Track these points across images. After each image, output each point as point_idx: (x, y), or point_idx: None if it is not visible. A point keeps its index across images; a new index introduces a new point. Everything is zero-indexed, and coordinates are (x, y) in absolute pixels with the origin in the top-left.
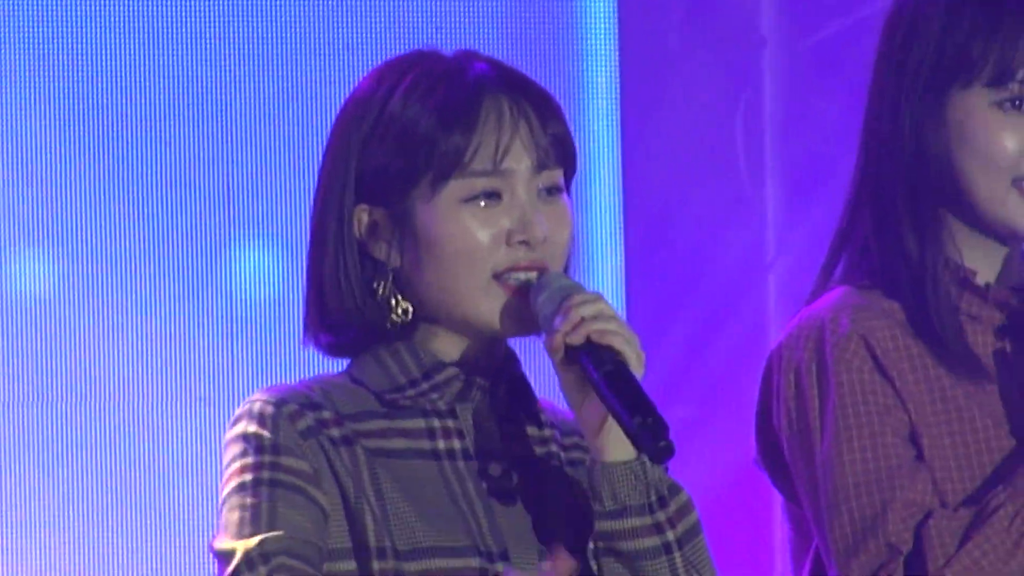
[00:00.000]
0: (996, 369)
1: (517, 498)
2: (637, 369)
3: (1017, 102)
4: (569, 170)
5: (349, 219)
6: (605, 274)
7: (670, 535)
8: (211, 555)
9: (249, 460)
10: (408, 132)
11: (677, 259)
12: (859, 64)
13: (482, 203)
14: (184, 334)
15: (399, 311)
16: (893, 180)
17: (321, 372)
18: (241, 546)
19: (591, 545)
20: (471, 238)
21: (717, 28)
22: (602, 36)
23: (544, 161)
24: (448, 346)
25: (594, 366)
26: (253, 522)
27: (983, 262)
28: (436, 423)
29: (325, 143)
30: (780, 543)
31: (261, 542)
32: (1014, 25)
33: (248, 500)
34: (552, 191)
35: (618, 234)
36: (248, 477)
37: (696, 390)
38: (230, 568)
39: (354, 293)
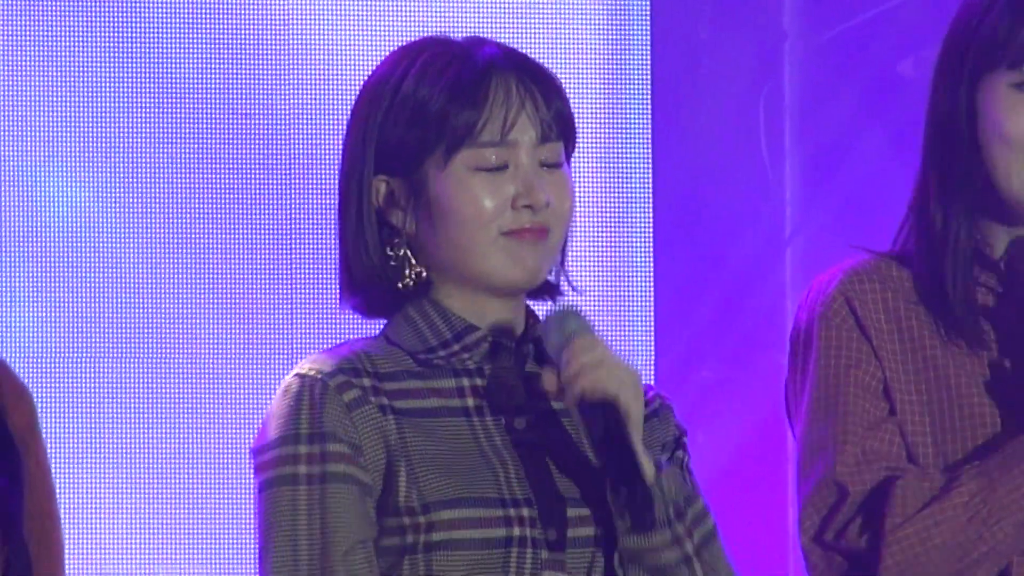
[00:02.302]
0: (994, 341)
1: (541, 450)
2: (634, 405)
3: None
4: (570, 144)
5: (368, 189)
6: (636, 251)
7: (688, 546)
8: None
9: (292, 450)
10: (422, 108)
11: (704, 235)
12: (873, 56)
13: (490, 171)
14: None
15: (412, 274)
16: (932, 158)
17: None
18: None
19: (616, 553)
20: (480, 202)
21: (742, 22)
22: (636, 28)
23: (547, 134)
24: (471, 307)
25: (589, 426)
26: (306, 535)
27: (998, 239)
28: (466, 382)
29: (347, 123)
30: (793, 496)
31: None
32: None
33: (299, 502)
34: (554, 162)
35: (648, 213)
36: (297, 470)
37: (722, 354)
38: None
39: (372, 257)
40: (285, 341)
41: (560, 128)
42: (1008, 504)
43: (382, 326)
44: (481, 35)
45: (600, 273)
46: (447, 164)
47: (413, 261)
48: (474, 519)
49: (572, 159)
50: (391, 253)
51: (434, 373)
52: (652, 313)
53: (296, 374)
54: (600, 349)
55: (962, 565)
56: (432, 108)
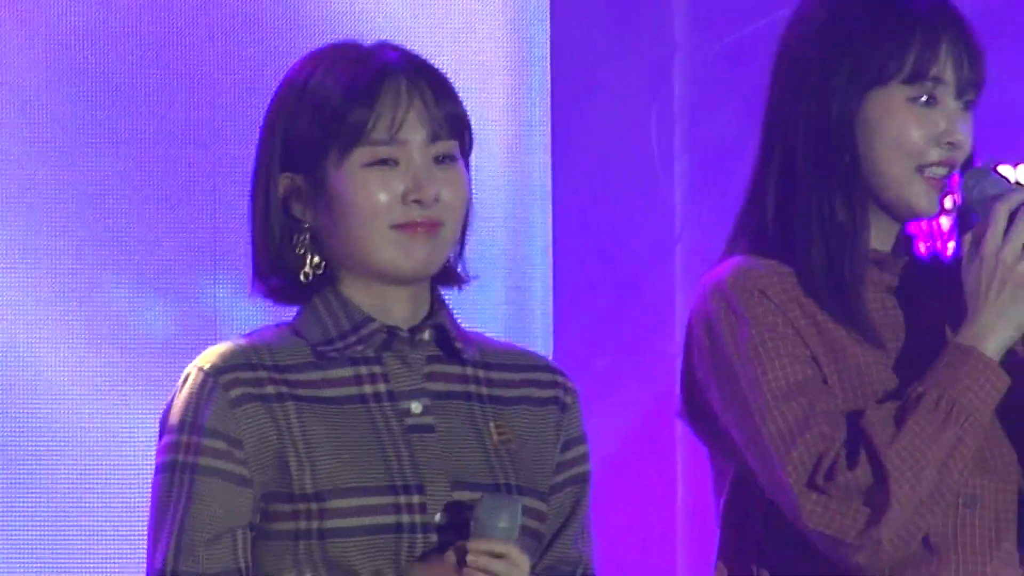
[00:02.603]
0: (888, 332)
1: (435, 435)
2: None
3: (927, 98)
4: (465, 142)
5: (275, 184)
6: (536, 246)
7: None
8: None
9: (177, 438)
10: (322, 108)
11: (599, 232)
12: (760, 64)
13: (382, 168)
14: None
15: (311, 264)
16: (808, 164)
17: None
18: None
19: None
20: (372, 197)
21: (636, 32)
22: (537, 36)
23: (438, 133)
24: (371, 297)
25: None
26: (172, 520)
27: (882, 236)
28: (363, 369)
29: (262, 121)
30: (682, 474)
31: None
32: (926, 31)
33: (172, 488)
34: (446, 159)
35: (547, 210)
36: (176, 458)
37: (615, 343)
38: None
39: (277, 248)
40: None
41: (452, 127)
42: (969, 401)
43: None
44: (387, 38)
45: (502, 265)
46: (343, 161)
47: (313, 254)
48: (365, 507)
49: (475, 156)
50: (296, 245)
51: (332, 363)
52: (551, 304)
53: (196, 366)
54: (499, 565)
55: (946, 469)
56: (330, 108)
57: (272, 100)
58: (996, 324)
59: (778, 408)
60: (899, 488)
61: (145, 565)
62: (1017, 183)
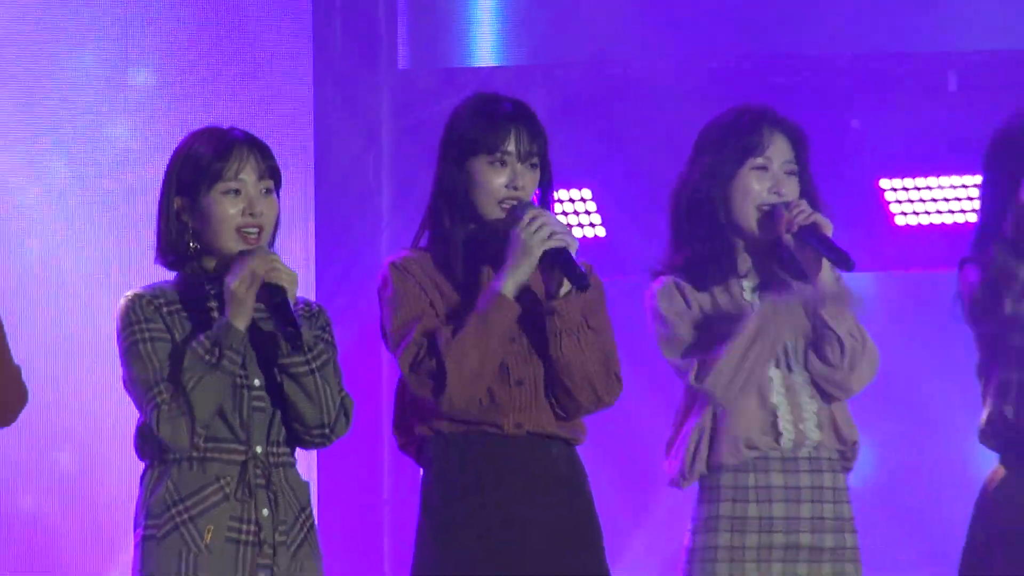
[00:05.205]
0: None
1: (263, 396)
2: (292, 297)
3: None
4: (277, 183)
5: (172, 202)
6: (298, 252)
7: (313, 364)
8: (127, 390)
9: (132, 328)
10: (198, 161)
11: (348, 242)
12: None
13: (231, 195)
14: None
15: (191, 248)
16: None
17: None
18: (149, 394)
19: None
20: (225, 212)
21: (360, 104)
22: (301, 101)
23: (263, 175)
24: (220, 268)
25: (264, 300)
26: (148, 369)
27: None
28: (214, 303)
29: (166, 165)
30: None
31: (152, 398)
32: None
33: (140, 353)
34: (267, 191)
35: (311, 223)
36: (135, 337)
37: (350, 317)
38: (152, 403)
39: (173, 239)
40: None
41: (271, 173)
42: (493, 319)
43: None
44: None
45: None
46: (209, 191)
47: (192, 242)
48: (219, 449)
49: (280, 191)
50: (184, 238)
51: (196, 303)
52: (314, 280)
53: (125, 297)
54: (267, 256)
55: (484, 360)
56: (203, 161)
57: (172, 156)
58: (512, 274)
59: (399, 329)
60: (452, 372)
61: (145, 406)
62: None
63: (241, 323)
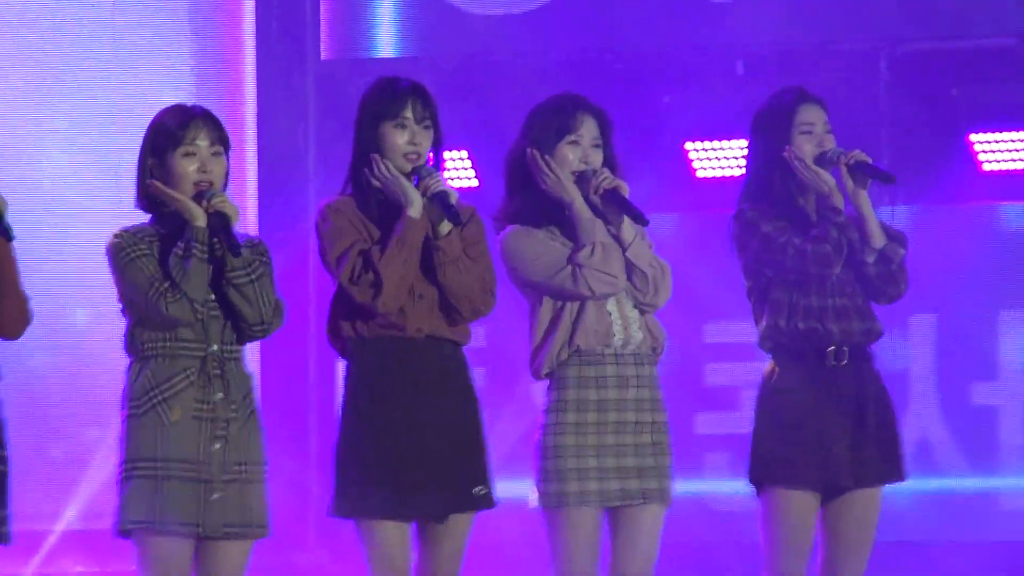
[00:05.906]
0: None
1: (216, 306)
2: (234, 219)
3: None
4: (226, 147)
5: (146, 162)
6: (244, 201)
7: (252, 275)
8: (121, 305)
9: (123, 252)
10: (166, 129)
11: (283, 192)
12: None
13: (189, 157)
14: None
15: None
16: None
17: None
18: (151, 289)
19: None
20: (186, 170)
21: (290, 91)
22: (247, 84)
23: (215, 142)
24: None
25: (215, 223)
26: (145, 277)
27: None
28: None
29: (144, 134)
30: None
31: (156, 290)
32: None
33: (136, 265)
34: (216, 154)
35: (255, 202)
36: (129, 257)
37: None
38: (157, 293)
39: (146, 190)
40: None
41: (220, 141)
42: (409, 239)
43: (150, 218)
44: None
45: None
46: (173, 153)
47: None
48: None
49: (229, 154)
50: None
51: (166, 237)
52: (256, 221)
53: (113, 235)
54: (222, 196)
55: (404, 271)
56: (170, 129)
57: (149, 125)
58: (414, 205)
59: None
60: (386, 279)
61: (149, 300)
62: None
63: (199, 222)
